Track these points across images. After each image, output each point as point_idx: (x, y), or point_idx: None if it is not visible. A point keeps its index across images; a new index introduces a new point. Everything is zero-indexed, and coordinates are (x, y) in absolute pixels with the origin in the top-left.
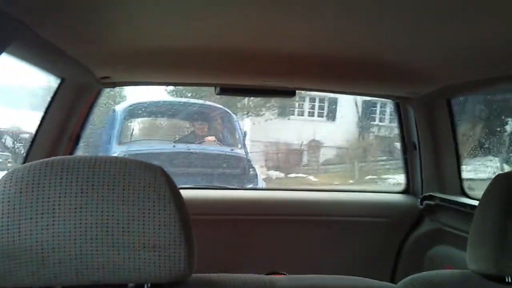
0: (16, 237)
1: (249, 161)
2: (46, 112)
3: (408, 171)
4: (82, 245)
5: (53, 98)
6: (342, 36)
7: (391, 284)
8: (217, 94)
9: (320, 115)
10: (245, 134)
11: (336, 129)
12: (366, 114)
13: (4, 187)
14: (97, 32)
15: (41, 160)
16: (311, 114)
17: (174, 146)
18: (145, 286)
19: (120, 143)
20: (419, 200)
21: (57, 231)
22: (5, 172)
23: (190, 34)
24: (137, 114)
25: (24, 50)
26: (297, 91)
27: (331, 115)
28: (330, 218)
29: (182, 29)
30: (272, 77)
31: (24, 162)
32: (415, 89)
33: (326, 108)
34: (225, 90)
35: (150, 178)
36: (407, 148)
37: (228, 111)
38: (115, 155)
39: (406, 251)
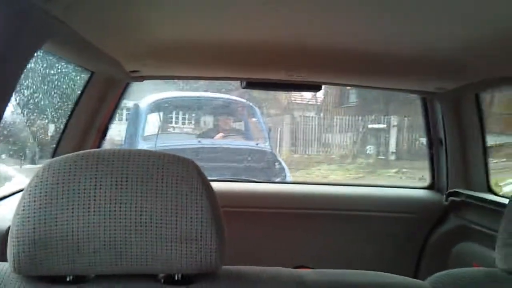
0: (53, 227)
1: (274, 155)
2: (76, 105)
3: (434, 166)
4: (116, 236)
5: (83, 91)
6: (368, 30)
7: (418, 280)
8: (243, 88)
9: (187, 124)
10: (269, 129)
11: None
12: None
13: (41, 178)
14: (127, 27)
15: (76, 153)
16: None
17: (199, 141)
18: (176, 276)
19: (145, 138)
20: (444, 196)
21: (92, 221)
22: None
23: (217, 29)
24: (161, 109)
25: (58, 45)
26: None
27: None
28: (355, 212)
29: (210, 24)
30: (298, 72)
31: (54, 153)
32: (443, 83)
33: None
34: (251, 84)
35: (182, 171)
36: (433, 144)
37: (252, 105)
38: None
39: (431, 247)
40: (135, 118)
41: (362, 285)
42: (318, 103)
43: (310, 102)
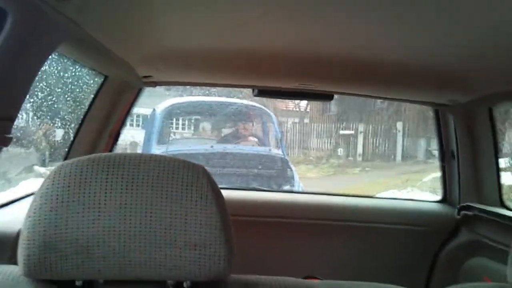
0: (63, 231)
1: (286, 161)
2: (89, 108)
3: (446, 180)
4: (125, 241)
5: (96, 95)
6: (382, 41)
7: None
8: (254, 95)
9: (138, 125)
10: (281, 134)
11: None
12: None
13: (53, 182)
14: (141, 32)
15: (88, 156)
16: (131, 124)
17: (211, 147)
18: (184, 284)
19: (159, 142)
20: (456, 209)
21: (102, 226)
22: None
23: (229, 37)
24: (177, 114)
25: (73, 48)
26: None
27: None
28: (366, 224)
29: (222, 32)
30: (309, 81)
31: (66, 157)
32: (456, 96)
33: (140, 120)
34: (262, 92)
35: (193, 177)
36: (445, 157)
37: (267, 110)
38: None
39: (442, 261)
40: (151, 123)
41: None
42: (302, 111)
43: (295, 110)
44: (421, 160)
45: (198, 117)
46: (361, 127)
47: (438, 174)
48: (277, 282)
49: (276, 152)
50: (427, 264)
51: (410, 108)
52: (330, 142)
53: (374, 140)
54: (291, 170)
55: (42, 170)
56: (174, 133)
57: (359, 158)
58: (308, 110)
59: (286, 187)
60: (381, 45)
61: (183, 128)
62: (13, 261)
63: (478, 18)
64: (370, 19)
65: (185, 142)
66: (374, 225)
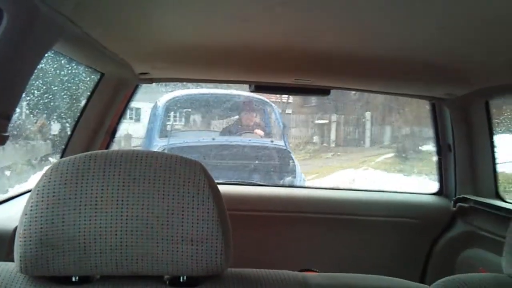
0: (60, 228)
1: (288, 153)
2: (85, 106)
3: (442, 172)
4: (122, 237)
5: (92, 92)
6: (378, 35)
7: (424, 285)
8: (251, 91)
9: (131, 118)
10: (284, 126)
11: (140, 127)
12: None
13: (50, 179)
14: (136, 29)
15: (84, 153)
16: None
17: (213, 139)
18: (181, 278)
19: (161, 136)
20: (452, 202)
21: (99, 222)
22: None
23: (226, 33)
24: (179, 107)
25: (69, 46)
26: None
27: (137, 118)
28: (362, 217)
29: (218, 28)
30: (306, 76)
31: (63, 154)
32: (452, 90)
33: (134, 113)
34: (259, 88)
35: (189, 173)
36: (442, 149)
37: (269, 102)
38: (156, 148)
39: (437, 253)
40: (153, 116)
41: None
42: (284, 102)
43: (277, 101)
44: (386, 145)
45: (200, 109)
46: (334, 117)
47: (390, 154)
48: (272, 275)
49: (278, 143)
50: (423, 255)
51: (376, 99)
52: (308, 131)
53: (346, 128)
54: (293, 162)
55: (52, 159)
56: (176, 126)
57: (332, 145)
58: (290, 101)
59: (288, 180)
60: (377, 39)
61: (185, 121)
62: (10, 258)
63: (474, 11)
64: (365, 14)
65: (187, 135)
66: (371, 218)
